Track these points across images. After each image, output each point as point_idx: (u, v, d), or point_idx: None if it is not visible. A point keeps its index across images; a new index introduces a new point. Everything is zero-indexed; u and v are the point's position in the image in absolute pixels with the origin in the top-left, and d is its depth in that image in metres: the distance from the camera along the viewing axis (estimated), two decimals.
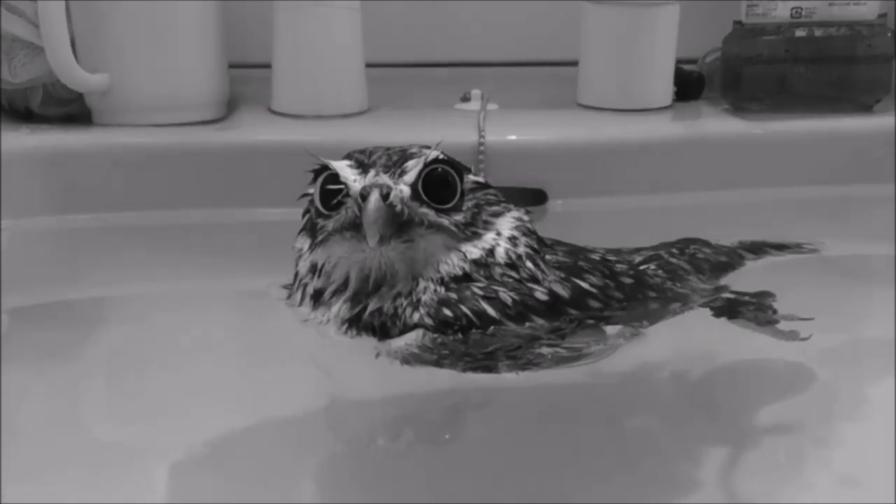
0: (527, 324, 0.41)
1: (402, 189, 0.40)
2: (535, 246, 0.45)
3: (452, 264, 0.42)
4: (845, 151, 0.73)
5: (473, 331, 0.40)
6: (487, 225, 0.44)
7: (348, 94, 0.73)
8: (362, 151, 0.43)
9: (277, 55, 0.72)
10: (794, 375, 0.45)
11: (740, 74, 0.76)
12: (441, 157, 0.42)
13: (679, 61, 0.77)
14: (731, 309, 0.48)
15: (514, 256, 0.43)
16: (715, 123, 0.75)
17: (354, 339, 0.42)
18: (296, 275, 0.47)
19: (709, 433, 0.40)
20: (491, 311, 0.41)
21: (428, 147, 0.43)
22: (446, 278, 0.41)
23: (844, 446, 0.39)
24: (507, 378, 0.40)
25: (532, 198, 0.67)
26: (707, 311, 0.48)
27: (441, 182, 0.42)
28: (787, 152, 0.73)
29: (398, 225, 0.40)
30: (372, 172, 0.41)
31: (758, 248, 0.56)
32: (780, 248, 0.57)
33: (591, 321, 0.43)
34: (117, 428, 0.41)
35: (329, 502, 0.36)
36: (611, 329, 0.43)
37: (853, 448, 0.39)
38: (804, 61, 0.75)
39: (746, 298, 0.49)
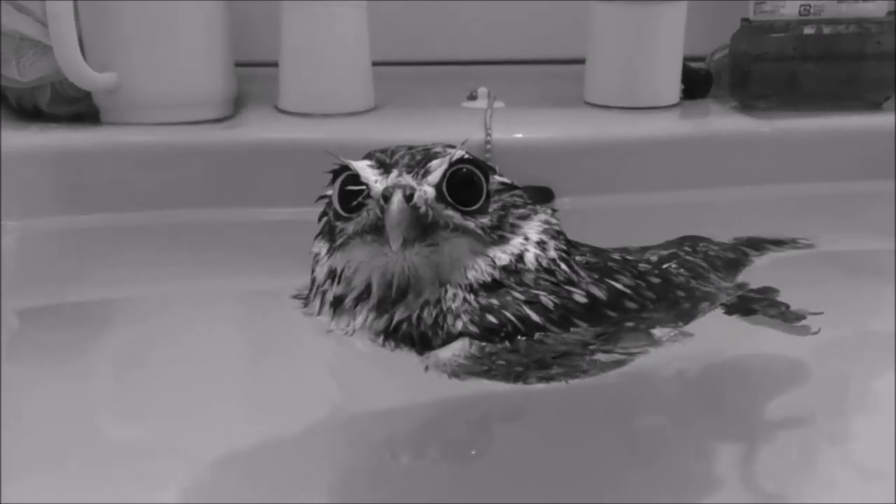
0: (571, 328, 0.40)
1: (426, 190, 0.38)
2: (566, 248, 0.43)
3: (481, 270, 0.40)
4: (853, 149, 0.73)
5: (519, 338, 0.39)
6: (514, 228, 0.42)
7: (355, 93, 0.73)
8: (384, 151, 0.41)
9: (284, 53, 0.72)
10: (800, 371, 0.45)
11: (748, 72, 0.75)
12: (466, 156, 0.40)
13: (687, 59, 0.77)
14: (743, 306, 0.47)
15: (545, 262, 0.41)
16: (723, 121, 0.75)
17: (391, 351, 0.40)
18: (313, 281, 0.45)
19: (722, 431, 0.40)
20: (535, 316, 0.39)
21: (452, 146, 0.41)
22: (475, 285, 0.39)
23: (857, 440, 0.40)
24: (531, 387, 0.39)
25: (539, 196, 0.67)
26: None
27: (466, 183, 0.40)
28: (795, 150, 0.73)
29: (422, 228, 0.38)
30: (395, 173, 0.39)
31: (757, 245, 0.55)
32: (778, 243, 0.56)
33: (630, 324, 0.42)
34: (124, 428, 0.42)
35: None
36: (659, 332, 0.42)
37: (866, 442, 0.39)
38: (812, 59, 0.75)
39: (758, 295, 0.48)
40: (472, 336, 0.38)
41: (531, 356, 0.38)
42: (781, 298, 0.49)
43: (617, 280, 0.43)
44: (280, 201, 0.66)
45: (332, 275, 0.42)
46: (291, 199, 0.65)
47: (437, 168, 0.39)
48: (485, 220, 0.40)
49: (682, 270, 0.47)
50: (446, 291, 0.39)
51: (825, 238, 0.66)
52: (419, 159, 0.39)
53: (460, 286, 0.39)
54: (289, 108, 0.72)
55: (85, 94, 0.69)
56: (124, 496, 0.35)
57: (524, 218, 0.42)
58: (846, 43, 0.75)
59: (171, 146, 0.66)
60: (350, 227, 0.41)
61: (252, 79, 0.78)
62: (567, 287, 0.41)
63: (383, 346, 0.39)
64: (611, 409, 0.41)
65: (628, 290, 0.42)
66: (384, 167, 0.39)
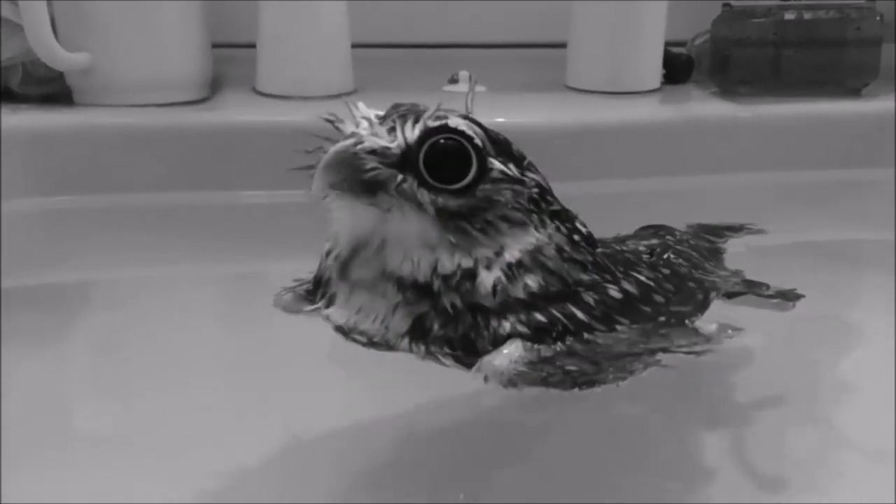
0: (616, 326, 0.35)
1: (378, 142, 0.32)
2: (588, 251, 0.36)
3: (416, 267, 0.32)
4: (833, 135, 0.73)
5: (569, 339, 0.33)
6: (489, 231, 0.33)
7: (334, 75, 0.72)
8: (397, 104, 0.34)
9: (262, 34, 0.71)
10: (775, 358, 0.45)
11: (729, 57, 0.75)
12: (460, 126, 0.32)
13: (668, 44, 0.77)
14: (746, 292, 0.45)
15: (501, 293, 0.32)
16: (703, 106, 0.75)
17: (422, 360, 0.33)
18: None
19: (700, 419, 0.40)
20: (580, 313, 0.34)
21: (464, 115, 0.33)
22: (406, 281, 0.32)
23: (832, 425, 0.40)
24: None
25: None
26: None
27: (451, 156, 0.32)
28: (775, 136, 0.73)
29: (362, 183, 0.31)
30: (374, 123, 0.33)
31: (714, 231, 0.54)
32: (731, 229, 0.55)
33: (661, 318, 0.38)
34: (101, 413, 0.41)
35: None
36: (705, 326, 0.38)
37: (840, 428, 0.39)
38: (793, 44, 0.75)
39: (760, 282, 0.47)
40: (522, 337, 0.32)
41: (590, 359, 0.33)
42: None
43: (639, 272, 0.38)
44: (257, 184, 0.65)
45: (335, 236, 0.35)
46: (269, 181, 0.65)
47: (414, 127, 0.32)
48: (452, 203, 0.32)
49: (681, 260, 0.44)
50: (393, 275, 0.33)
51: (803, 226, 0.67)
52: (410, 116, 0.33)
53: (394, 276, 0.32)
54: (266, 90, 0.72)
55: (57, 75, 0.68)
56: (102, 483, 0.35)
57: (514, 224, 0.33)
58: (826, 28, 0.75)
59: (145, 128, 0.65)
60: None
61: (229, 60, 0.77)
62: (604, 283, 0.35)
63: (411, 350, 0.32)
64: (593, 398, 0.41)
65: (652, 283, 0.38)
66: (383, 118, 0.33)
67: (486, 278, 0.32)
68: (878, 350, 0.48)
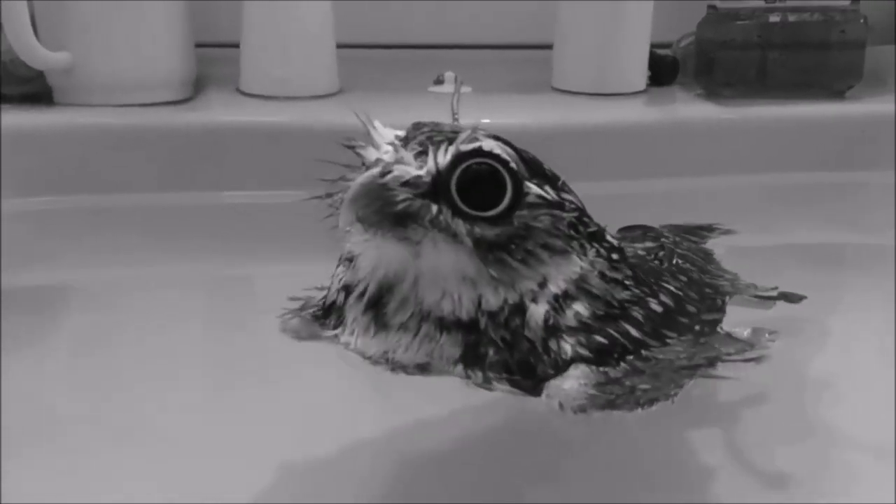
0: (666, 340, 0.34)
1: (408, 171, 0.29)
2: (626, 266, 0.34)
3: (457, 303, 0.30)
4: (818, 138, 0.73)
5: (628, 357, 0.32)
6: (530, 261, 0.31)
7: (319, 75, 0.72)
8: (419, 125, 0.32)
9: (246, 34, 0.70)
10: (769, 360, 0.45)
11: (714, 59, 0.76)
12: (494, 150, 0.30)
13: (653, 46, 0.77)
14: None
15: (552, 322, 0.31)
16: (689, 109, 0.75)
17: (477, 387, 0.31)
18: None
19: (702, 425, 0.40)
20: (634, 330, 0.32)
21: (495, 137, 0.31)
22: (448, 320, 0.30)
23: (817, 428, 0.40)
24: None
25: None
26: None
27: (484, 181, 0.30)
28: (760, 138, 0.73)
29: (392, 215, 0.29)
30: (399, 148, 0.30)
31: (690, 231, 0.53)
32: (707, 229, 0.54)
33: (697, 327, 0.36)
34: (83, 415, 0.41)
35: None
36: (739, 331, 0.37)
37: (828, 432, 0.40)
38: (777, 47, 0.75)
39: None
40: (584, 360, 0.31)
41: (654, 375, 0.32)
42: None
43: (667, 282, 0.36)
44: (241, 185, 0.65)
45: (350, 259, 0.33)
46: (252, 182, 0.65)
47: (446, 152, 0.30)
48: (489, 233, 0.30)
49: (688, 265, 0.42)
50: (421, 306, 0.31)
51: (788, 228, 0.67)
52: (438, 139, 0.30)
53: (432, 315, 0.30)
54: (250, 90, 0.71)
55: (37, 74, 0.67)
56: (84, 484, 0.35)
57: (556, 252, 0.31)
58: (811, 31, 0.75)
59: (127, 128, 0.65)
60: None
61: (213, 60, 0.76)
62: (647, 298, 0.34)
63: (467, 377, 0.30)
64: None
65: (681, 293, 0.37)
66: (404, 141, 0.31)
67: (536, 312, 0.30)
68: (863, 350, 0.48)
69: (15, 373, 0.42)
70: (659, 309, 0.34)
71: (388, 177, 0.29)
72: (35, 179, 0.63)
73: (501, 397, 0.31)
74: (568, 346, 0.31)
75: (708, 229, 0.52)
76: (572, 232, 0.32)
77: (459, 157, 0.29)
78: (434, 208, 0.29)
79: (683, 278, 0.38)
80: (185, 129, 0.65)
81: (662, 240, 0.44)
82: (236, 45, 0.71)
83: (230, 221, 0.63)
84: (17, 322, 0.48)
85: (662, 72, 0.79)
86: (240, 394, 0.42)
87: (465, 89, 0.74)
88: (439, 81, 0.76)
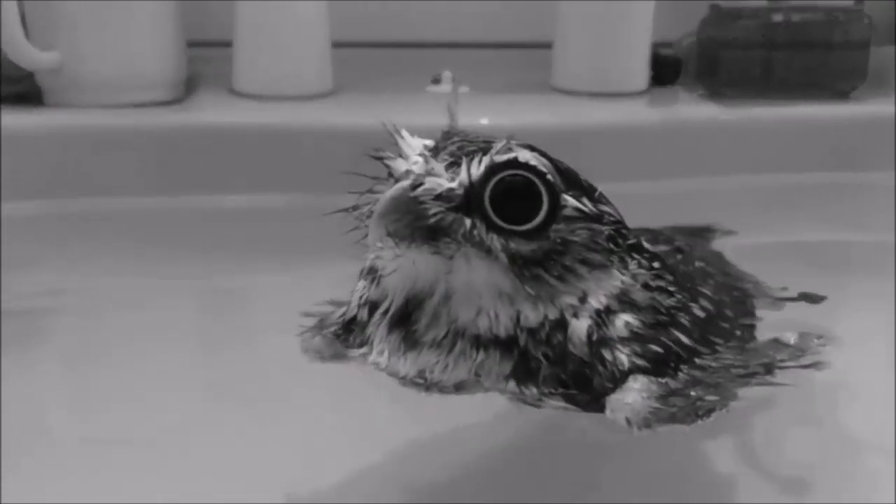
0: (716, 347, 0.32)
1: (441, 183, 0.28)
2: (668, 272, 0.33)
3: (494, 321, 0.29)
4: (821, 139, 0.72)
5: (685, 367, 0.31)
6: (568, 277, 0.29)
7: (313, 75, 0.71)
8: (449, 132, 0.31)
9: (239, 32, 0.69)
10: None
11: (716, 59, 0.75)
12: (530, 161, 0.29)
13: (655, 44, 0.76)
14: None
15: (599, 335, 0.30)
16: (691, 109, 0.74)
17: (534, 404, 0.30)
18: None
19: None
20: (684, 338, 0.31)
21: (530, 147, 0.30)
22: (485, 338, 0.29)
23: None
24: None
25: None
26: None
27: (519, 194, 0.29)
28: (763, 139, 0.72)
29: (425, 229, 0.28)
30: (430, 159, 0.29)
31: (694, 233, 0.52)
32: (706, 231, 0.53)
33: (738, 332, 0.35)
34: (70, 426, 0.40)
35: None
36: (786, 336, 0.36)
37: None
38: (780, 46, 0.74)
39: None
40: (642, 371, 0.30)
41: (713, 385, 0.30)
42: None
43: (701, 286, 0.35)
44: (234, 188, 0.63)
45: (372, 273, 0.32)
46: (246, 185, 0.64)
47: (480, 164, 0.29)
48: (525, 248, 0.29)
49: (710, 268, 0.41)
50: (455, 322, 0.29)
51: (791, 228, 0.66)
52: (471, 150, 0.29)
53: (468, 333, 0.29)
54: (244, 90, 0.70)
55: (27, 74, 0.66)
56: (67, 493, 0.34)
57: (595, 267, 0.30)
58: (814, 31, 0.75)
59: (118, 130, 0.63)
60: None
61: (205, 59, 0.75)
62: (690, 304, 0.33)
63: (521, 394, 0.29)
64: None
65: (716, 297, 0.35)
66: (434, 151, 0.30)
67: (579, 327, 0.29)
68: (866, 351, 0.48)
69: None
70: (702, 314, 0.33)
71: (420, 189, 0.28)
72: (22, 182, 0.61)
73: (506, 413, 0.29)
74: (624, 357, 0.29)
75: (708, 230, 0.51)
76: (611, 245, 0.30)
77: (493, 169, 0.28)
78: (468, 222, 0.28)
79: (711, 282, 0.37)
80: (177, 130, 0.64)
81: (677, 243, 0.43)
82: (229, 44, 0.70)
83: (225, 226, 0.62)
84: (4, 329, 0.47)
85: (665, 71, 0.78)
86: (233, 407, 0.41)
87: (463, 89, 0.73)
88: (437, 81, 0.75)
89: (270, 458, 0.37)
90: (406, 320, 0.29)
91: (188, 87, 0.71)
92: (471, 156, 0.29)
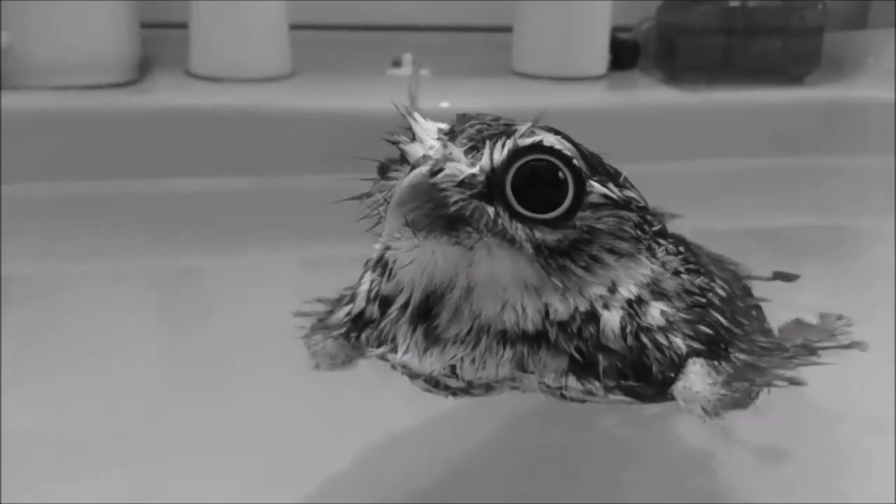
0: (744, 328, 0.31)
1: (462, 169, 0.27)
2: (691, 252, 0.32)
3: (521, 314, 0.27)
4: (777, 123, 0.74)
5: (734, 350, 0.30)
6: (595, 267, 0.28)
7: (271, 56, 0.70)
8: (464, 115, 0.30)
9: (195, 14, 0.68)
10: None
11: (674, 44, 0.75)
12: (554, 144, 0.27)
13: (614, 29, 0.76)
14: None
15: (630, 337, 0.28)
16: (649, 93, 0.74)
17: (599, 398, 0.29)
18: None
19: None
20: (722, 319, 0.30)
21: (554, 130, 0.28)
22: (512, 333, 0.27)
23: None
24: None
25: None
26: None
27: (543, 180, 0.27)
28: (720, 123, 0.73)
29: (445, 218, 0.27)
30: (450, 143, 0.28)
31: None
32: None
33: (755, 314, 0.35)
34: (26, 414, 0.39)
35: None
36: (808, 317, 0.35)
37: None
38: (737, 32, 0.75)
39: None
40: (699, 354, 0.28)
41: (765, 371, 0.29)
42: None
43: (710, 266, 0.34)
44: (190, 171, 0.62)
45: (382, 265, 0.30)
46: (202, 168, 0.62)
47: (503, 148, 0.27)
48: (550, 237, 0.27)
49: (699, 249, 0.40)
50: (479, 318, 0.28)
51: (749, 212, 0.67)
52: (491, 133, 0.28)
53: (489, 327, 0.28)
54: (200, 71, 0.69)
55: None
56: (23, 481, 0.33)
57: (623, 256, 0.28)
58: (770, 17, 0.76)
59: (70, 112, 0.62)
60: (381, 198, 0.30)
61: (161, 41, 0.74)
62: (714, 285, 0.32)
63: (585, 390, 0.28)
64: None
65: (725, 277, 0.34)
66: (451, 135, 0.28)
67: (611, 319, 0.27)
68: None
69: None
70: (723, 294, 0.31)
71: (440, 176, 0.26)
72: None
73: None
74: (679, 341, 0.28)
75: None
76: (639, 232, 0.29)
77: (516, 154, 0.26)
78: (491, 211, 0.26)
79: (709, 263, 0.35)
80: (131, 112, 0.63)
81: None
82: (185, 26, 0.69)
83: (179, 210, 0.61)
84: None
85: (623, 56, 0.78)
86: (192, 391, 0.41)
87: (424, 72, 0.72)
88: (397, 64, 0.74)
89: (231, 440, 0.36)
90: (426, 315, 0.28)
91: (142, 69, 0.70)
92: (493, 139, 0.27)
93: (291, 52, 0.71)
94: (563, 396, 0.28)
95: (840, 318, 0.35)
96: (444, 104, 0.66)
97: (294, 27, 0.71)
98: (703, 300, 0.29)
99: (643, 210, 0.29)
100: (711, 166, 0.71)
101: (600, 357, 0.27)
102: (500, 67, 0.76)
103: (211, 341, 0.45)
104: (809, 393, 0.30)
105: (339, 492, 0.34)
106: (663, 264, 0.29)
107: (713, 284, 0.31)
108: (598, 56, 0.75)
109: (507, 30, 0.76)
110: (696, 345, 0.28)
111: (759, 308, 0.35)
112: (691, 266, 0.30)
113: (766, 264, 0.55)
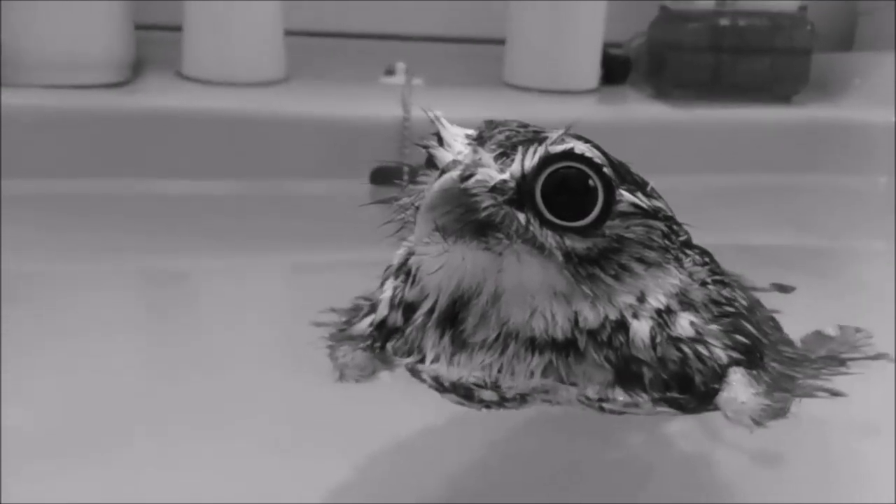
0: (769, 337, 0.31)
1: (492, 175, 0.27)
2: (715, 262, 0.32)
3: (550, 322, 0.27)
4: (764, 141, 0.75)
5: (768, 360, 0.30)
6: (624, 275, 0.28)
7: (264, 61, 0.70)
8: (490, 122, 0.29)
9: (189, 16, 0.68)
10: None
11: (664, 60, 0.76)
12: (585, 152, 0.27)
13: (606, 45, 0.77)
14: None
15: (661, 347, 0.28)
16: (639, 108, 0.75)
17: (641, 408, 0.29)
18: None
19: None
20: (752, 328, 0.30)
21: (583, 139, 0.28)
22: (541, 341, 0.27)
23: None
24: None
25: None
26: None
27: (573, 188, 0.27)
28: (708, 140, 0.74)
29: (475, 223, 0.27)
30: (480, 149, 0.27)
31: None
32: None
33: (773, 324, 0.35)
34: (11, 414, 0.38)
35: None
36: (828, 329, 0.36)
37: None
38: (727, 50, 0.76)
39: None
40: (739, 364, 0.29)
41: (798, 381, 0.30)
42: None
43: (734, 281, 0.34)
44: (180, 173, 0.62)
45: (405, 272, 0.30)
46: (191, 170, 0.63)
47: (535, 155, 0.27)
48: (580, 245, 0.27)
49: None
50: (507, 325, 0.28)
51: (733, 228, 0.67)
52: (520, 140, 0.28)
53: (518, 334, 0.27)
54: (192, 74, 0.69)
55: None
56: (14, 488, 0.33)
57: (651, 265, 0.28)
58: (759, 36, 0.77)
59: (60, 111, 0.62)
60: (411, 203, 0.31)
61: (154, 42, 0.74)
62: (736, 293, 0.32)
63: (632, 402, 0.28)
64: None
65: (745, 293, 0.34)
66: (479, 140, 0.28)
67: (641, 329, 0.27)
68: None
69: None
70: (746, 303, 0.31)
71: (471, 181, 0.26)
72: None
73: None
74: (720, 351, 0.28)
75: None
76: (667, 242, 0.29)
77: (547, 160, 0.26)
78: (521, 217, 0.26)
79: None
80: (123, 113, 0.63)
81: None
82: (178, 28, 0.69)
83: (169, 211, 0.61)
84: None
85: (615, 71, 0.79)
86: (180, 394, 0.40)
87: (416, 81, 0.73)
88: (390, 72, 0.74)
89: (231, 440, 0.37)
90: (453, 320, 0.28)
91: (135, 70, 0.70)
92: (523, 146, 0.27)
93: (286, 57, 0.71)
94: (601, 409, 0.28)
95: (859, 330, 0.35)
96: (437, 114, 0.67)
97: (289, 34, 0.71)
98: (732, 309, 0.29)
99: (670, 220, 0.29)
100: (698, 182, 0.72)
101: (645, 369, 0.27)
102: (491, 79, 0.77)
103: (205, 342, 0.45)
104: (806, 401, 0.30)
105: (339, 496, 0.34)
106: (691, 275, 0.29)
107: (736, 294, 0.31)
108: (590, 70, 0.76)
109: (500, 42, 0.77)
110: (735, 354, 0.28)
111: (774, 319, 0.35)
112: (717, 277, 0.30)
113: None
